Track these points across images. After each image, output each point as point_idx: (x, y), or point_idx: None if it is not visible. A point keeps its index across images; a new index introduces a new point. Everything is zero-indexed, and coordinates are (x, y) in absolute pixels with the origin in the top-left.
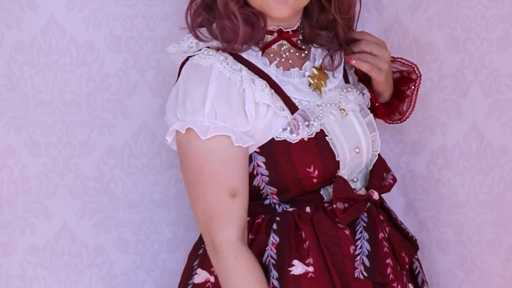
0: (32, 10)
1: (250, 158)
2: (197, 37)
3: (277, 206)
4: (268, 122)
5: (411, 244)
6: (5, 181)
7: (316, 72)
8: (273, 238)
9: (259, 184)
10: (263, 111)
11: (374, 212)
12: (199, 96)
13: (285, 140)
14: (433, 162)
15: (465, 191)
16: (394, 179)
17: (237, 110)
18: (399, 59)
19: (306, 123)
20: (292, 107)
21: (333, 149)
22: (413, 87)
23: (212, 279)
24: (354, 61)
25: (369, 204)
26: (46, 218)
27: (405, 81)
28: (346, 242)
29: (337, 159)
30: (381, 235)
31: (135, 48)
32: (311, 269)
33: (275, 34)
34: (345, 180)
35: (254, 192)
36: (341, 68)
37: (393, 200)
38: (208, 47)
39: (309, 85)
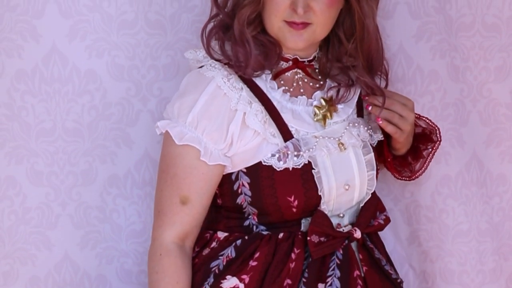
0: (34, 39)
1: (237, 177)
2: (210, 54)
3: (254, 228)
4: (255, 146)
5: (394, 286)
6: (6, 212)
7: (323, 103)
8: (230, 252)
9: (242, 203)
10: (250, 134)
11: (351, 250)
12: (188, 104)
13: (271, 166)
14: (437, 192)
15: (468, 220)
16: (387, 220)
17: (218, 126)
18: (424, 118)
19: (296, 153)
20: (287, 135)
21: (317, 183)
22: (430, 149)
23: (241, 286)
24: (381, 122)
25: (346, 242)
26: (48, 249)
27: (425, 139)
28: (296, 276)
29: (319, 193)
30: (356, 273)
31: (138, 76)
32: (241, 286)
33: (290, 62)
34: (325, 215)
35: (237, 210)
36: (352, 102)
37: (398, 229)
38: (220, 60)
39: (314, 115)
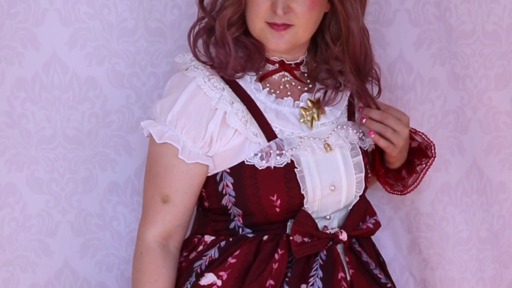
0: (34, 47)
1: (221, 178)
2: (196, 56)
3: (240, 230)
4: (237, 146)
5: None
6: (6, 219)
7: (310, 104)
8: (213, 253)
9: (227, 204)
10: (230, 134)
11: (336, 252)
12: (169, 103)
13: (253, 165)
14: (438, 200)
15: (468, 228)
16: (377, 224)
17: (197, 125)
18: (420, 133)
19: (278, 152)
20: (270, 135)
21: (300, 182)
22: (424, 165)
23: (219, 282)
24: (373, 136)
25: (331, 243)
26: (48, 256)
27: (420, 154)
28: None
29: (302, 192)
30: (340, 275)
31: (138, 84)
32: (219, 282)
33: (276, 65)
34: (308, 215)
35: (222, 211)
36: (341, 105)
37: (398, 237)
38: (205, 62)
39: (300, 116)
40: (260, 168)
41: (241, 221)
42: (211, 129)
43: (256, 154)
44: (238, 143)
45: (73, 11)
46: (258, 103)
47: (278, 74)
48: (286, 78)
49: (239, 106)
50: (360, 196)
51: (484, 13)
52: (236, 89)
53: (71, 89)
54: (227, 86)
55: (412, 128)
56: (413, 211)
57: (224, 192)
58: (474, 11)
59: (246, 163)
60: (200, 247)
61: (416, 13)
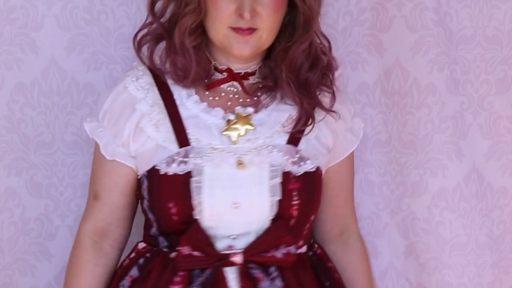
0: (33, 52)
1: (142, 180)
2: (141, 60)
3: (157, 238)
4: (151, 150)
5: None
6: (6, 223)
7: (237, 118)
8: (134, 272)
9: (146, 208)
10: (143, 137)
11: (220, 273)
12: (102, 102)
13: (159, 170)
14: (434, 204)
15: (466, 233)
16: (288, 256)
17: (118, 122)
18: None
19: (181, 159)
20: (183, 142)
21: (194, 192)
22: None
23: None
24: None
25: (218, 263)
26: (47, 260)
27: None
28: None
29: (193, 203)
30: None
31: None
32: None
33: (225, 74)
34: (200, 228)
35: (145, 216)
36: (277, 124)
37: (394, 243)
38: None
39: (225, 128)
40: (161, 173)
41: (156, 228)
42: (128, 128)
43: (164, 160)
44: (152, 147)
45: (71, 17)
46: (181, 109)
47: (227, 84)
48: (233, 89)
49: (158, 109)
50: (274, 221)
51: (485, 18)
52: (163, 92)
53: (69, 95)
54: (156, 88)
55: None
56: (409, 216)
57: (143, 195)
58: (475, 16)
59: (156, 167)
60: (133, 254)
61: (413, 19)
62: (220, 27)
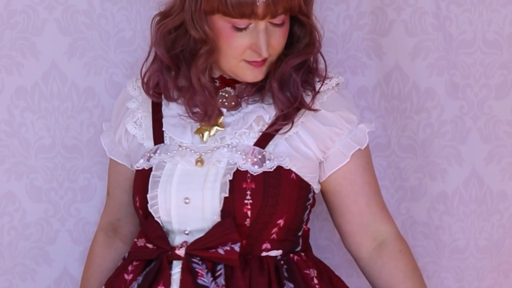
0: (34, 56)
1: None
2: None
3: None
4: (136, 148)
5: None
6: (6, 228)
7: None
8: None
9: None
10: (131, 136)
11: (165, 264)
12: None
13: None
14: (433, 208)
15: (465, 237)
16: (231, 253)
17: (116, 121)
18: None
19: (149, 155)
20: (158, 140)
21: (150, 187)
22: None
23: None
24: None
25: (162, 255)
26: (47, 264)
27: None
28: None
29: (147, 196)
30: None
31: None
32: None
33: (218, 82)
34: (154, 221)
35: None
36: (244, 125)
37: None
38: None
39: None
40: (136, 169)
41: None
42: (121, 126)
43: (141, 156)
44: (135, 146)
45: (72, 21)
46: (164, 109)
47: (221, 90)
48: (224, 94)
49: (144, 108)
50: (224, 217)
51: (485, 22)
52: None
53: (70, 99)
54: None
55: None
56: (409, 220)
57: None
58: (475, 20)
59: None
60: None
61: (413, 24)
62: (234, 61)
